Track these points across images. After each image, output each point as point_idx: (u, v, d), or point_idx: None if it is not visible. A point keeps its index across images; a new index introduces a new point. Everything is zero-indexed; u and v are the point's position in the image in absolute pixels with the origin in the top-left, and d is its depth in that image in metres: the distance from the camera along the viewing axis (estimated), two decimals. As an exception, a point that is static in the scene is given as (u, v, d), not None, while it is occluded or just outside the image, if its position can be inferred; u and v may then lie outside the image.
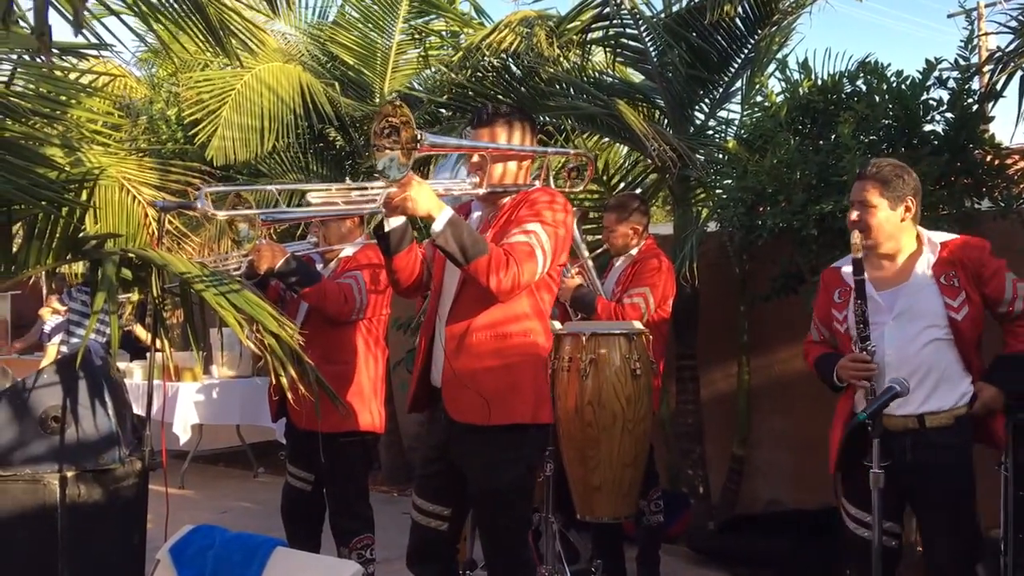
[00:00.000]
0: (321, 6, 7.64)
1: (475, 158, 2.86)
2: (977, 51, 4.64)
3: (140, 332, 7.81)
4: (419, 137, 2.47)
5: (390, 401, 6.71)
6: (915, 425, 2.78)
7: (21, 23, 3.13)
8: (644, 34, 5.76)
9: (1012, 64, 4.31)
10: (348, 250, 3.90)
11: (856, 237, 2.79)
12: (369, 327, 3.88)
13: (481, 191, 2.86)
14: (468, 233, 2.62)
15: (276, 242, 3.88)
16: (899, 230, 2.86)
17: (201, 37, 3.57)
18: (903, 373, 2.74)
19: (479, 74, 6.22)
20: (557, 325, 4.10)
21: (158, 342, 3.34)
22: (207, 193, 2.72)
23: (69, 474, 3.07)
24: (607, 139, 6.33)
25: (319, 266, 3.95)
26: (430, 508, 2.93)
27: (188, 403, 6.98)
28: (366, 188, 2.63)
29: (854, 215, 2.87)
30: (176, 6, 3.46)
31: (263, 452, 7.74)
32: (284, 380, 2.85)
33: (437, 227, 2.58)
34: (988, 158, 4.45)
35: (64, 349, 6.83)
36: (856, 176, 2.93)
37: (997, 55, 4.47)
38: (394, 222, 2.74)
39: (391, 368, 6.63)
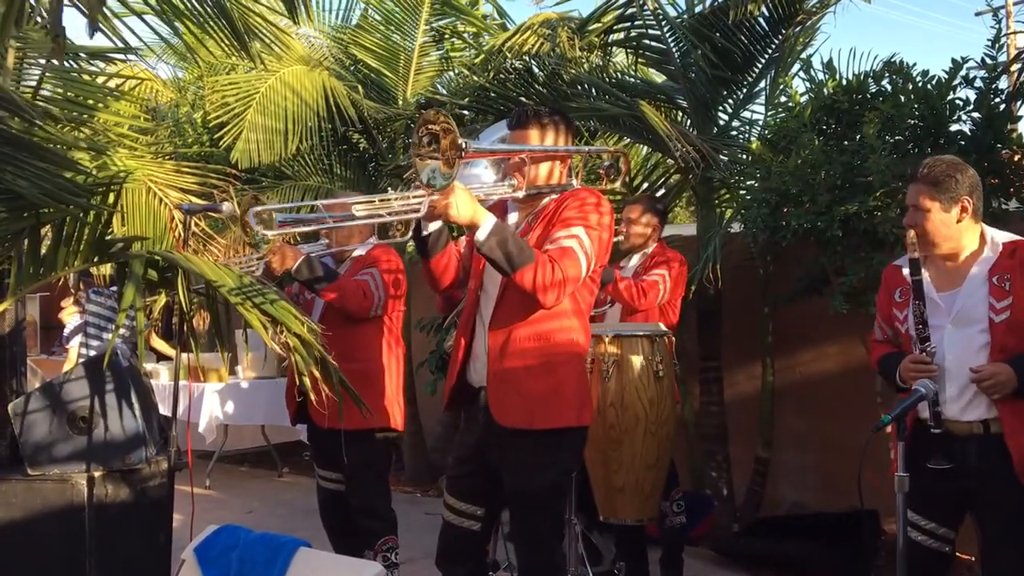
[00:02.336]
0: (343, 9, 7.69)
1: (514, 160, 2.87)
2: (1005, 50, 4.58)
3: (157, 344, 7.86)
4: (463, 145, 2.46)
5: (413, 402, 6.75)
6: (980, 431, 2.70)
7: (48, 22, 3.18)
8: (667, 35, 5.76)
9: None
10: (360, 250, 3.92)
11: (911, 236, 2.73)
12: (388, 325, 3.90)
13: (521, 194, 2.87)
14: (513, 241, 2.62)
15: (292, 244, 3.91)
16: (957, 231, 2.77)
17: (226, 41, 3.61)
18: (963, 378, 2.69)
19: (501, 76, 6.23)
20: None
21: (184, 343, 3.38)
22: (233, 196, 2.74)
23: (97, 474, 3.11)
24: (629, 140, 6.31)
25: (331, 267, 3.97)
26: (463, 507, 2.94)
27: (213, 404, 7.04)
28: (408, 197, 2.64)
29: (908, 219, 2.80)
30: (200, 9, 3.50)
31: (288, 453, 7.79)
32: (307, 380, 2.87)
33: (481, 235, 2.59)
34: (1016, 158, 4.40)
35: (84, 352, 6.89)
36: (909, 178, 2.85)
37: (1025, 54, 4.42)
38: (432, 226, 2.77)
39: (414, 369, 6.65)
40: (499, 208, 3.00)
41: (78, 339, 7.19)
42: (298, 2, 3.70)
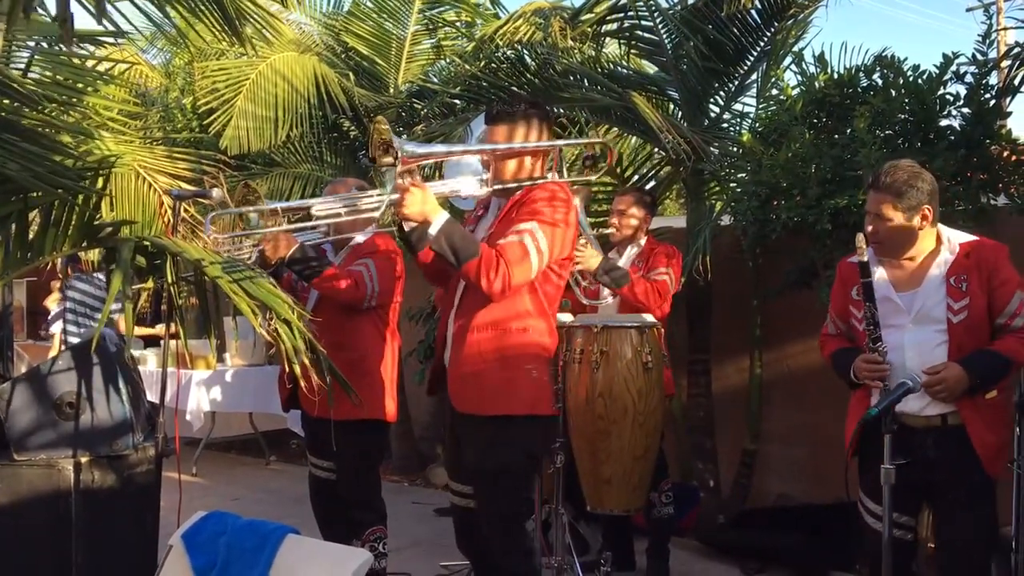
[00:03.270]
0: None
1: (484, 157, 2.99)
2: (995, 46, 4.59)
3: (143, 329, 7.80)
4: (397, 155, 2.64)
5: (401, 391, 6.73)
6: (938, 423, 2.77)
7: (39, 10, 3.15)
8: (659, 26, 5.74)
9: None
10: (358, 238, 3.90)
11: (860, 240, 2.77)
12: (381, 314, 3.88)
13: (486, 190, 2.97)
14: (460, 236, 2.75)
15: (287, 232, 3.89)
16: (916, 237, 2.82)
17: (217, 26, 3.59)
18: (912, 374, 2.74)
19: (493, 65, 6.21)
20: (569, 318, 4.11)
21: (173, 329, 3.36)
22: (223, 183, 2.76)
23: (83, 460, 3.10)
24: (620, 131, 6.31)
25: (329, 255, 3.95)
26: (467, 490, 3.05)
27: (201, 391, 7.02)
28: (371, 197, 2.84)
29: (869, 227, 2.83)
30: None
31: (275, 440, 7.78)
32: (296, 368, 2.86)
33: (432, 231, 2.72)
34: (1005, 154, 4.42)
35: (65, 338, 6.84)
36: (869, 184, 2.88)
37: (1016, 51, 4.44)
38: (410, 224, 2.85)
39: (403, 358, 6.64)
40: (483, 203, 3.13)
41: (58, 326, 7.13)
42: (289, -12, 3.67)
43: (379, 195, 2.77)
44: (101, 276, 6.20)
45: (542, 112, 3.05)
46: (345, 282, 3.64)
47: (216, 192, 3.55)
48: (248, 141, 6.39)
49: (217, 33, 3.68)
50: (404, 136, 6.50)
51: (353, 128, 7.40)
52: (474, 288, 2.84)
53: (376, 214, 2.80)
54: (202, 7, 3.50)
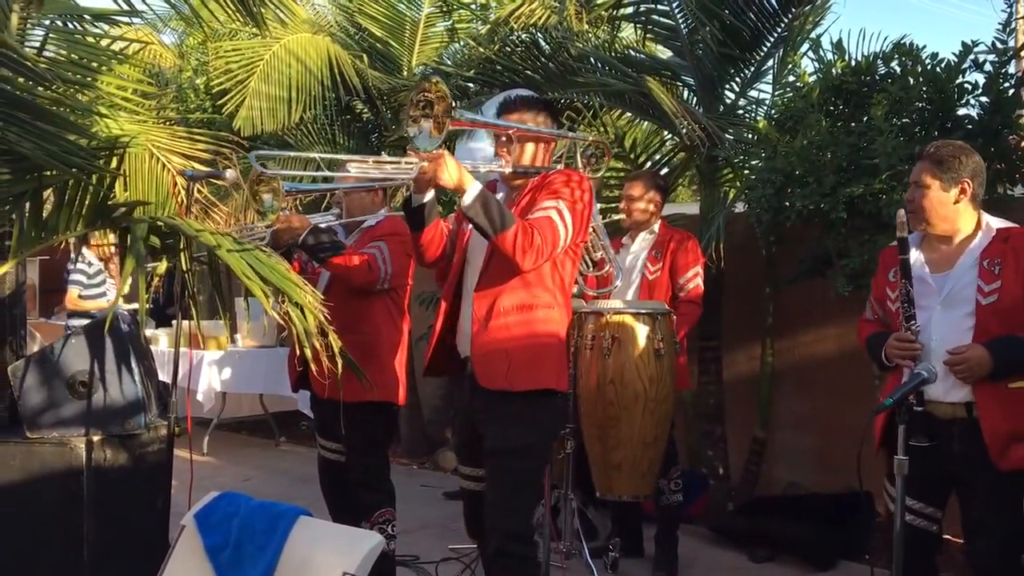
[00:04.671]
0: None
1: (502, 138, 3.01)
2: (1015, 35, 4.54)
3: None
4: (454, 107, 2.62)
5: (411, 375, 6.74)
6: (963, 414, 2.73)
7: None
8: (676, 10, 5.70)
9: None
10: (370, 221, 3.90)
11: (900, 215, 2.76)
12: (393, 297, 3.89)
13: (508, 170, 3.02)
14: (496, 206, 2.76)
15: (300, 213, 3.89)
16: (954, 212, 2.81)
17: (232, 6, 3.58)
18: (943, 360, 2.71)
19: (507, 49, 6.18)
20: (583, 303, 4.10)
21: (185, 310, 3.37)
22: (236, 163, 2.76)
23: (95, 438, 3.11)
24: (634, 116, 6.27)
25: (341, 237, 3.95)
26: (477, 473, 3.08)
27: (212, 371, 7.04)
28: (399, 162, 2.78)
29: (909, 194, 2.85)
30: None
31: (285, 421, 7.81)
32: (308, 351, 2.86)
33: (467, 199, 2.72)
34: (1023, 144, 4.37)
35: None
36: (916, 156, 2.89)
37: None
38: (421, 198, 2.89)
39: (413, 342, 6.64)
40: (489, 188, 3.11)
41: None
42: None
43: (414, 161, 2.73)
44: None
45: (550, 107, 3.17)
46: (358, 264, 3.64)
47: (230, 173, 3.54)
48: (261, 122, 6.39)
49: (232, 13, 3.68)
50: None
51: (366, 110, 7.38)
52: (500, 264, 2.85)
53: (410, 176, 2.75)
54: (216, -14, 3.49)
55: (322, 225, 3.75)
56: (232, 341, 7.39)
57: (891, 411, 2.60)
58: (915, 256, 2.87)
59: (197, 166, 4.32)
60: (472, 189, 2.72)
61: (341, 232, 3.95)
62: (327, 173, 3.02)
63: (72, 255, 6.30)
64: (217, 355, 7.11)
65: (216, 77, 6.78)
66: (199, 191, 4.27)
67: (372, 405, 3.63)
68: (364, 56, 7.07)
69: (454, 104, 2.63)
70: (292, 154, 3.07)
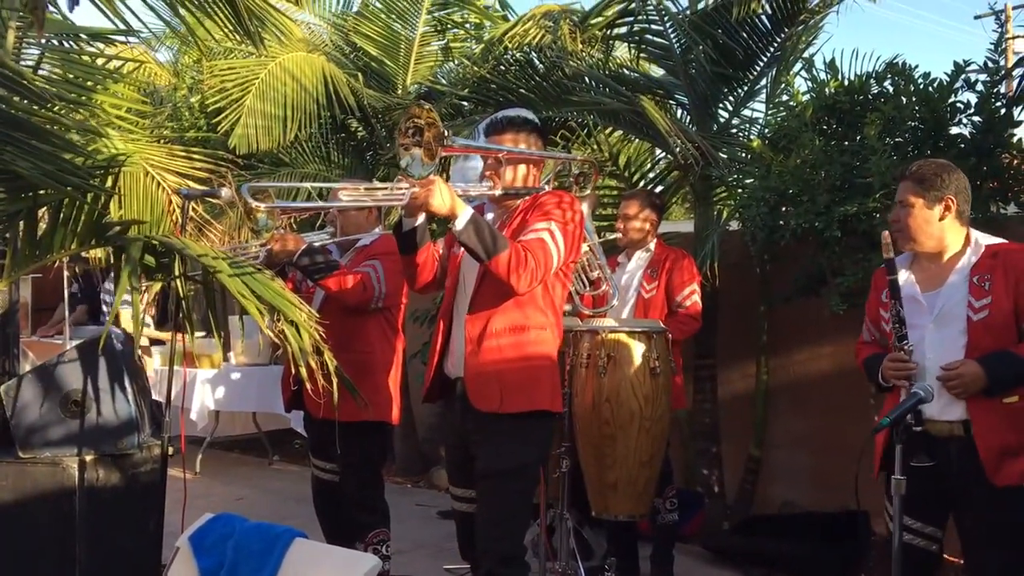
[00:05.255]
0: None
1: (491, 161, 3.04)
2: (1005, 54, 4.58)
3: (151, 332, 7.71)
4: (446, 134, 2.63)
5: (405, 393, 6.73)
6: (960, 432, 2.72)
7: (50, 8, 3.15)
8: (669, 30, 5.73)
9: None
10: (365, 239, 3.90)
11: (886, 237, 2.77)
12: (387, 316, 3.88)
13: (498, 192, 3.04)
14: (489, 230, 2.78)
15: (294, 232, 3.89)
16: (940, 229, 2.81)
17: (228, 25, 3.59)
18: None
19: (502, 68, 6.21)
20: (578, 322, 4.10)
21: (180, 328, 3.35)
22: (232, 182, 2.77)
23: (88, 458, 3.09)
24: (628, 135, 6.29)
25: (335, 256, 3.94)
26: (469, 494, 3.07)
27: (205, 389, 7.01)
28: (391, 188, 2.79)
29: (894, 214, 2.87)
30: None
31: (278, 440, 7.77)
32: (303, 370, 2.86)
33: (460, 224, 2.74)
34: (1015, 162, 4.40)
35: None
36: (899, 176, 2.92)
37: (1028, 59, 4.42)
38: (412, 222, 2.90)
39: (407, 360, 6.63)
40: (478, 210, 3.13)
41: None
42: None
43: (406, 187, 2.74)
44: None
45: (537, 128, 3.18)
46: (353, 283, 3.64)
47: (225, 191, 3.54)
48: (256, 140, 6.38)
49: (228, 32, 3.68)
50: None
51: (361, 128, 7.39)
52: (492, 287, 2.87)
53: (402, 203, 2.76)
54: (213, 6, 3.50)
55: (316, 244, 3.75)
56: (225, 359, 7.37)
57: (875, 433, 2.61)
58: (906, 276, 2.88)
59: (192, 184, 4.32)
60: (464, 214, 2.73)
61: (335, 251, 3.95)
62: (320, 205, 3.01)
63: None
64: (210, 373, 7.08)
65: (211, 95, 6.78)
66: (194, 209, 4.27)
67: (366, 424, 3.62)
68: (359, 75, 7.08)
69: (446, 132, 2.64)
70: (285, 184, 3.09)
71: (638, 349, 3.88)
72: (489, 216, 3.09)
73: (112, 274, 6.24)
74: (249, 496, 6.40)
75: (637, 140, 6.40)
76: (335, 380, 2.91)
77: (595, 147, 6.29)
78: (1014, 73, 4.63)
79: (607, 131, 6.25)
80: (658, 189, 6.25)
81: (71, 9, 2.49)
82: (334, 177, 7.06)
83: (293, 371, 3.09)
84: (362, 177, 6.80)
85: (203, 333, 6.56)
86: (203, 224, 4.45)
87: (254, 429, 7.76)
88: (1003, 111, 4.41)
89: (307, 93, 6.49)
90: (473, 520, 3.02)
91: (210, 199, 3.81)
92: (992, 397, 2.67)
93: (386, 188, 2.81)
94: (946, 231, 2.82)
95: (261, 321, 2.79)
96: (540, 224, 2.88)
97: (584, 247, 4.13)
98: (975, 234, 2.87)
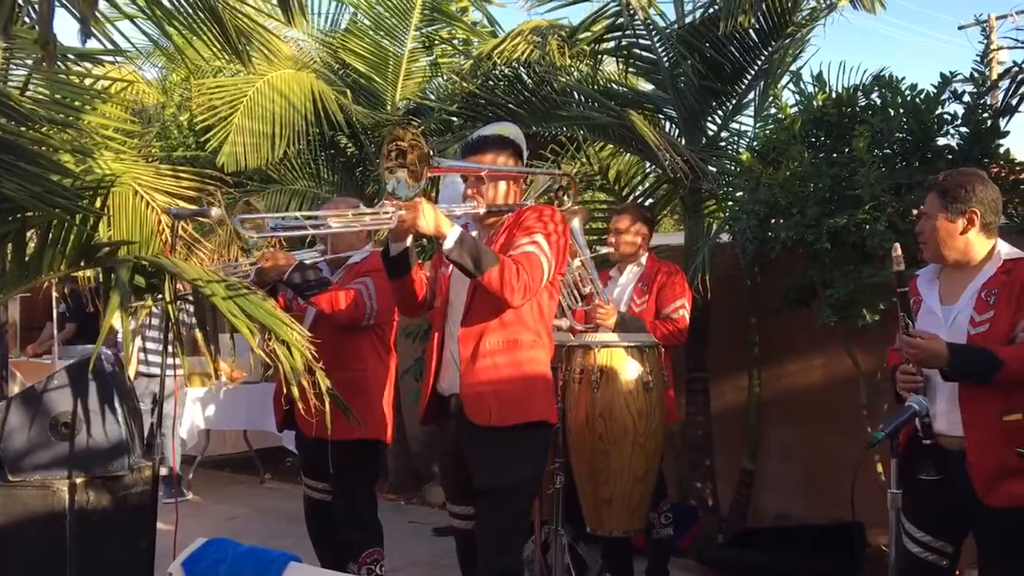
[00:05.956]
0: (333, 13, 7.65)
1: (472, 179, 3.05)
2: (991, 65, 4.61)
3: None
4: (432, 155, 2.65)
5: (398, 410, 6.70)
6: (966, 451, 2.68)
7: (37, 28, 3.13)
8: (657, 44, 5.76)
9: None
10: (355, 257, 3.89)
11: (896, 250, 2.74)
12: (379, 333, 3.87)
13: (482, 211, 3.05)
14: (479, 246, 2.80)
15: (284, 249, 3.87)
16: (963, 243, 2.76)
17: (216, 44, 3.58)
18: (953, 392, 2.69)
19: (490, 83, 6.22)
20: (571, 337, 4.09)
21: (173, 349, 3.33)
22: (221, 201, 2.76)
23: (78, 480, 3.06)
24: (618, 149, 6.30)
25: (326, 273, 3.92)
26: (468, 511, 3.07)
27: (196, 408, 6.97)
28: (378, 212, 2.79)
29: (919, 226, 2.84)
30: (191, 11, 3.47)
31: (270, 458, 7.72)
32: (295, 390, 2.84)
33: (449, 243, 2.75)
34: (1003, 174, 4.42)
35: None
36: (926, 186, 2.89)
37: (1014, 70, 4.45)
38: (400, 246, 2.91)
39: (399, 376, 6.61)
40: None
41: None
42: (292, 2, 3.68)
43: (391, 210, 2.74)
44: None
45: (514, 145, 3.18)
46: (344, 301, 3.62)
47: (215, 210, 3.53)
48: (245, 158, 6.38)
49: (216, 51, 3.68)
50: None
51: (350, 145, 7.40)
52: (483, 303, 2.89)
53: (389, 225, 2.76)
54: (201, 24, 3.49)
55: (307, 262, 3.74)
56: (216, 377, 7.32)
57: (869, 447, 2.58)
58: (935, 287, 2.86)
59: (181, 203, 4.30)
60: (452, 233, 2.74)
61: (326, 268, 3.93)
62: (311, 230, 2.99)
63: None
64: (201, 392, 7.04)
65: (200, 113, 6.77)
66: (183, 228, 4.25)
67: (360, 443, 3.60)
68: (348, 91, 7.09)
69: (432, 153, 2.65)
70: (275, 215, 3.11)
71: (631, 364, 3.88)
72: (473, 233, 3.09)
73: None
74: (241, 515, 6.35)
75: (627, 154, 6.42)
76: (327, 399, 2.90)
77: (585, 161, 6.30)
78: (1000, 84, 4.66)
79: (597, 145, 6.26)
80: (648, 202, 6.26)
81: (84, 42, 2.48)
82: (324, 194, 7.07)
83: (285, 391, 3.07)
84: (352, 193, 6.80)
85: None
86: (192, 243, 4.43)
87: (245, 447, 7.71)
88: (990, 122, 4.43)
89: (295, 110, 6.49)
90: (472, 537, 3.02)
91: (200, 218, 3.79)
92: (949, 381, 2.66)
93: (373, 212, 2.81)
94: (971, 244, 2.77)
95: (252, 340, 2.77)
96: (527, 238, 2.90)
97: (576, 262, 4.14)
98: (1001, 246, 2.81)
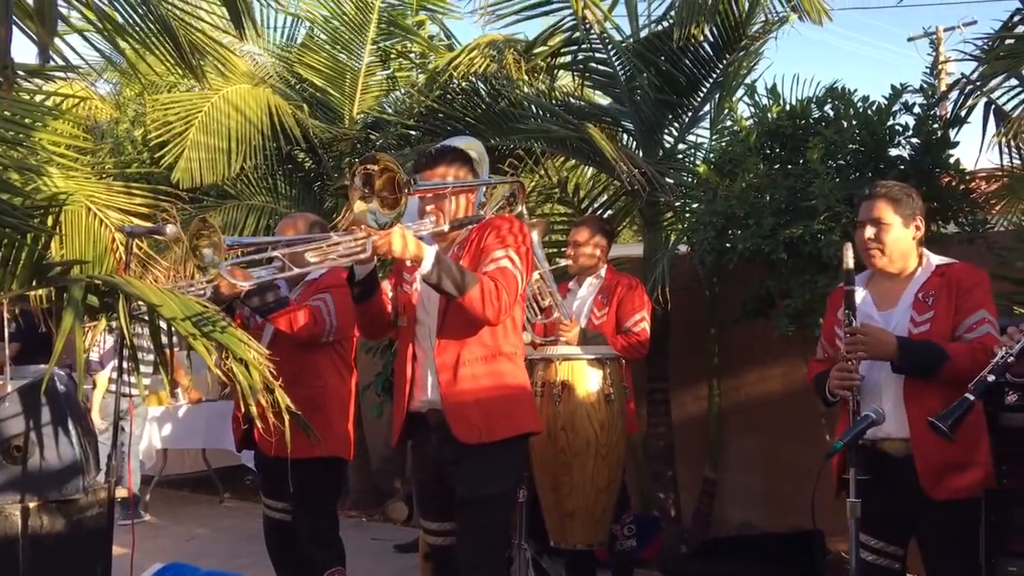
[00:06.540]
0: (289, 28, 7.61)
1: (430, 196, 3.00)
2: (939, 76, 4.72)
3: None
4: (409, 180, 2.58)
5: (359, 425, 6.66)
6: (912, 450, 2.74)
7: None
8: (613, 58, 5.80)
9: (977, 92, 4.39)
10: (314, 273, 3.83)
11: (847, 249, 2.79)
12: (339, 350, 3.82)
13: (446, 228, 3.00)
14: (456, 268, 2.78)
15: (242, 267, 3.81)
16: (909, 249, 2.88)
17: (170, 59, 3.54)
18: (892, 394, 2.75)
19: (448, 97, 6.22)
20: (531, 350, 4.09)
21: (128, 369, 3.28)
22: (176, 217, 2.71)
23: (31, 505, 3.01)
24: (576, 162, 6.34)
25: (284, 290, 3.88)
26: (445, 528, 3.04)
27: (153, 427, 6.87)
28: (352, 240, 2.72)
29: (869, 232, 2.87)
30: (143, 26, 3.43)
31: (229, 477, 7.62)
32: (253, 409, 2.80)
33: (426, 267, 2.73)
34: (953, 183, 4.51)
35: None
36: (865, 195, 2.93)
37: (962, 82, 4.55)
38: (366, 269, 2.87)
39: (360, 391, 6.57)
40: None
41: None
42: (245, 18, 3.65)
43: (364, 236, 2.70)
44: None
45: (463, 156, 3.16)
46: (303, 318, 3.58)
47: (170, 228, 3.48)
48: (201, 174, 6.31)
49: (170, 66, 3.64)
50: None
51: (308, 159, 7.35)
52: (457, 319, 2.86)
53: (367, 255, 2.71)
54: (154, 40, 3.45)
55: (265, 278, 3.68)
56: (173, 395, 7.22)
57: (827, 457, 2.62)
58: (863, 294, 2.91)
59: (135, 221, 4.24)
60: (428, 256, 2.72)
61: (284, 285, 3.88)
62: (292, 272, 2.94)
63: None
64: (158, 411, 6.94)
65: (154, 129, 6.68)
66: (138, 246, 4.19)
67: (320, 461, 3.55)
68: (305, 106, 7.05)
69: (408, 179, 2.58)
70: (253, 257, 3.11)
71: (592, 376, 3.88)
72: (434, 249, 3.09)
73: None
74: (200, 535, 6.26)
75: (586, 167, 6.45)
76: (286, 417, 2.86)
77: (543, 174, 6.32)
78: (950, 95, 4.76)
79: (556, 158, 6.28)
80: (608, 214, 6.30)
81: (45, 62, 2.44)
82: (282, 209, 7.00)
83: (243, 410, 3.03)
84: (310, 208, 6.75)
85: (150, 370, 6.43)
86: (147, 261, 4.36)
87: (204, 466, 7.60)
88: (940, 133, 4.52)
89: (252, 125, 6.44)
90: (450, 554, 2.99)
91: (155, 236, 3.73)
92: (898, 373, 2.71)
93: (346, 240, 2.74)
94: (914, 251, 2.89)
95: (209, 360, 2.74)
96: (499, 252, 2.89)
97: (535, 274, 4.14)
98: (927, 254, 2.92)
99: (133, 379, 3.66)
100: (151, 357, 3.44)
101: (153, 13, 3.49)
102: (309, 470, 3.48)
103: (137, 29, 3.40)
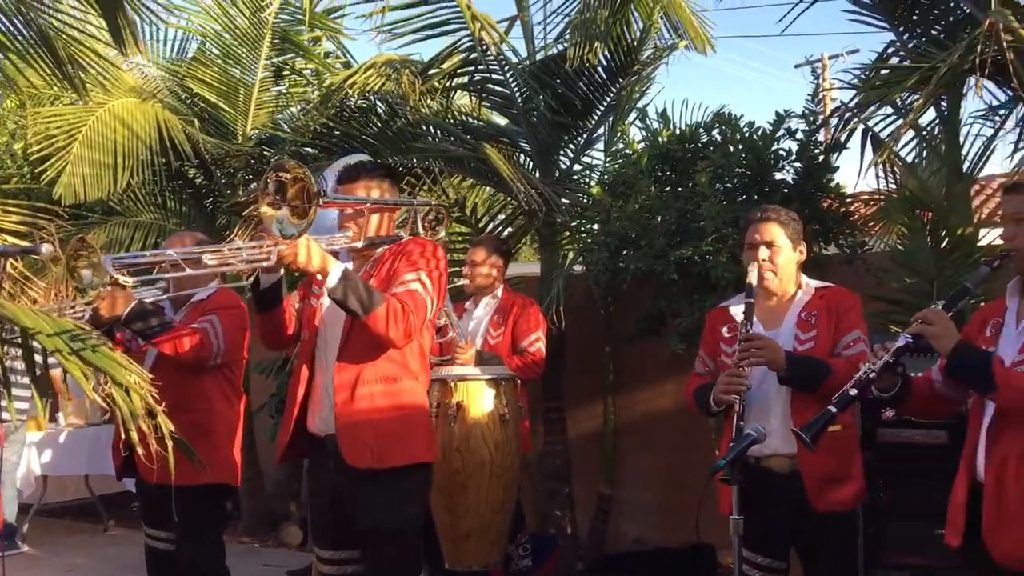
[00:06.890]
0: (179, 41, 7.39)
1: (349, 211, 2.95)
2: (822, 103, 4.91)
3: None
4: (319, 194, 2.53)
5: (251, 448, 6.50)
6: (797, 466, 2.85)
7: None
8: (510, 80, 5.85)
9: (855, 119, 4.58)
10: (200, 294, 3.72)
11: (753, 267, 2.93)
12: (227, 373, 3.71)
13: (360, 244, 2.95)
14: (363, 286, 2.73)
15: (124, 288, 3.66)
16: (794, 269, 3.02)
17: (48, 72, 3.43)
18: (779, 411, 2.87)
19: (345, 115, 6.16)
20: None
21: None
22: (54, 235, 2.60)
23: None
24: (475, 182, 6.35)
25: (169, 312, 3.74)
26: (339, 556, 2.98)
27: (32, 453, 6.54)
28: (257, 247, 2.67)
29: (764, 254, 2.98)
30: (22, 38, 3.31)
31: (114, 504, 7.31)
32: (134, 435, 2.69)
33: (332, 282, 2.68)
34: (834, 206, 4.69)
35: None
36: (754, 219, 3.04)
37: (841, 110, 4.74)
38: (272, 278, 2.83)
39: (253, 413, 6.41)
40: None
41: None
42: (125, 32, 3.56)
43: (260, 245, 2.63)
44: None
45: (390, 173, 3.14)
46: (189, 341, 3.46)
47: (46, 247, 3.32)
48: (85, 189, 6.08)
49: (49, 80, 3.51)
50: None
51: (199, 176, 7.16)
52: (360, 340, 2.80)
53: (269, 263, 2.65)
54: (33, 53, 3.33)
55: (148, 300, 3.56)
56: (53, 420, 6.91)
57: (712, 474, 2.68)
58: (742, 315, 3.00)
59: (10, 239, 4.05)
60: (335, 270, 2.67)
61: (168, 307, 3.75)
62: (186, 272, 2.83)
63: None
64: (37, 436, 6.62)
65: (36, 143, 6.41)
66: (12, 266, 3.99)
67: (206, 488, 3.44)
68: (196, 121, 6.87)
69: (322, 192, 2.55)
70: (148, 261, 2.98)
71: (487, 396, 3.89)
72: (348, 266, 3.00)
73: None
74: (82, 566, 5.99)
75: (485, 187, 6.47)
76: (170, 443, 2.76)
77: (441, 193, 6.31)
78: (830, 122, 4.96)
79: (455, 178, 6.29)
80: (506, 233, 6.33)
81: None
82: (171, 226, 6.81)
83: (123, 436, 2.91)
84: (201, 226, 6.58)
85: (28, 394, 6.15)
86: (22, 281, 4.16)
87: (87, 493, 7.28)
88: (821, 158, 4.70)
89: (139, 140, 6.23)
90: None
91: (31, 255, 3.57)
92: (785, 384, 2.85)
93: (251, 247, 2.68)
94: (795, 273, 3.03)
95: (86, 385, 2.62)
96: (410, 275, 2.84)
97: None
98: (804, 278, 3.08)
99: (4, 403, 3.49)
100: (27, 380, 3.27)
101: (32, 26, 3.37)
102: (193, 498, 3.37)
103: (15, 41, 3.28)
